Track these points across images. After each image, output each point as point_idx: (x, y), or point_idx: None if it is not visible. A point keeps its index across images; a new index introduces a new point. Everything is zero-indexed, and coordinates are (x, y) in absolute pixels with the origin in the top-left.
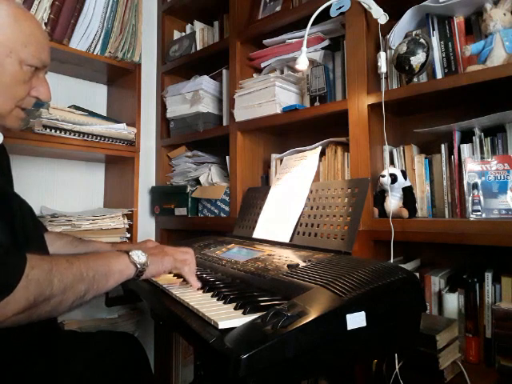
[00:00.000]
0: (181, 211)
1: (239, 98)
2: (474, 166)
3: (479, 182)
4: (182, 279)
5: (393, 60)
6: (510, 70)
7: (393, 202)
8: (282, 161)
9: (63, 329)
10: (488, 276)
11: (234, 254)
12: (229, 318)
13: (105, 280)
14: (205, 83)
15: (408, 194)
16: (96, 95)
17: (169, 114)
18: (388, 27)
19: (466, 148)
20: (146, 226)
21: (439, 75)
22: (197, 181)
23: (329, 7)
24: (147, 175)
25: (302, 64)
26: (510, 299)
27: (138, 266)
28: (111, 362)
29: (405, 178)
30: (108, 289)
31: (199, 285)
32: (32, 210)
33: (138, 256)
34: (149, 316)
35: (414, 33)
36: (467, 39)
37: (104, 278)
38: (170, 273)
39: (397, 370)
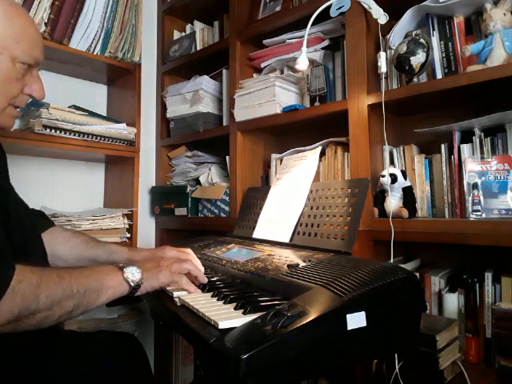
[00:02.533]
0: (181, 211)
1: (239, 98)
2: (474, 165)
3: (479, 182)
4: None
5: (393, 60)
6: (510, 70)
7: (393, 202)
8: (281, 161)
9: (63, 329)
10: (488, 276)
11: (234, 253)
12: (229, 318)
13: (96, 296)
14: (205, 83)
15: (408, 194)
16: (96, 95)
17: (169, 114)
18: (388, 27)
19: (465, 148)
20: (146, 226)
21: (439, 75)
22: (197, 181)
23: (329, 7)
24: (147, 175)
25: (302, 64)
26: (510, 299)
27: (132, 284)
28: (111, 362)
29: (405, 178)
30: (99, 304)
31: (194, 290)
32: (28, 208)
33: (133, 273)
34: (149, 316)
35: (414, 33)
36: (467, 39)
37: (95, 294)
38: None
39: (397, 369)
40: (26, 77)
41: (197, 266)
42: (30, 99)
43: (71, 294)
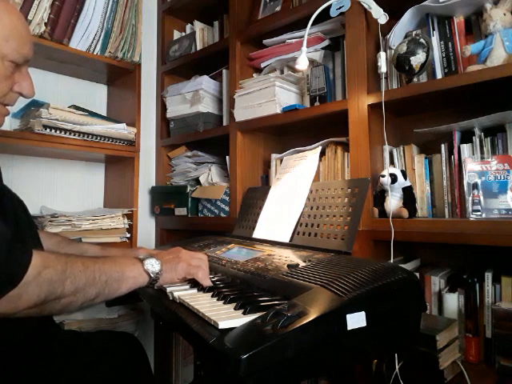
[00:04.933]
0: (181, 211)
1: (239, 98)
2: (474, 166)
3: (479, 182)
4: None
5: (393, 60)
6: (510, 70)
7: (393, 202)
8: (281, 161)
9: (63, 329)
10: (488, 276)
11: (234, 253)
12: (229, 318)
13: (117, 285)
14: (205, 83)
15: (408, 194)
16: (96, 95)
17: (169, 114)
18: (388, 27)
19: (466, 148)
20: (146, 226)
21: (439, 75)
22: (197, 181)
23: (329, 7)
24: (147, 175)
25: (302, 64)
26: (510, 299)
27: (152, 275)
28: (111, 362)
29: (405, 178)
30: (119, 294)
31: (210, 284)
32: (24, 205)
33: (152, 264)
34: (149, 316)
35: (414, 33)
36: (467, 39)
37: (116, 284)
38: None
39: (397, 370)
40: (15, 74)
41: (208, 271)
42: (20, 97)
43: (94, 283)
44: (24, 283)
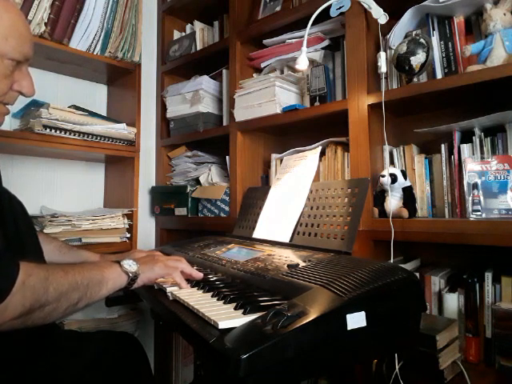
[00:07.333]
0: (181, 211)
1: (239, 98)
2: (474, 166)
3: (479, 182)
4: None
5: (393, 60)
6: (510, 70)
7: (393, 202)
8: (281, 161)
9: (63, 329)
10: (488, 276)
11: (234, 254)
12: (229, 317)
13: (98, 288)
14: (205, 83)
15: (408, 194)
16: (96, 95)
17: (169, 114)
18: (388, 27)
19: (466, 148)
20: (146, 226)
21: (439, 75)
22: (197, 181)
23: (329, 7)
24: (147, 175)
25: (302, 64)
26: (510, 299)
27: (130, 275)
28: (111, 362)
29: (405, 178)
30: (101, 297)
31: (188, 287)
32: (23, 206)
33: (130, 265)
34: (149, 316)
35: (414, 33)
36: (467, 39)
37: (97, 286)
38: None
39: (397, 370)
40: (15, 73)
41: (188, 269)
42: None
43: (76, 286)
44: (10, 295)
